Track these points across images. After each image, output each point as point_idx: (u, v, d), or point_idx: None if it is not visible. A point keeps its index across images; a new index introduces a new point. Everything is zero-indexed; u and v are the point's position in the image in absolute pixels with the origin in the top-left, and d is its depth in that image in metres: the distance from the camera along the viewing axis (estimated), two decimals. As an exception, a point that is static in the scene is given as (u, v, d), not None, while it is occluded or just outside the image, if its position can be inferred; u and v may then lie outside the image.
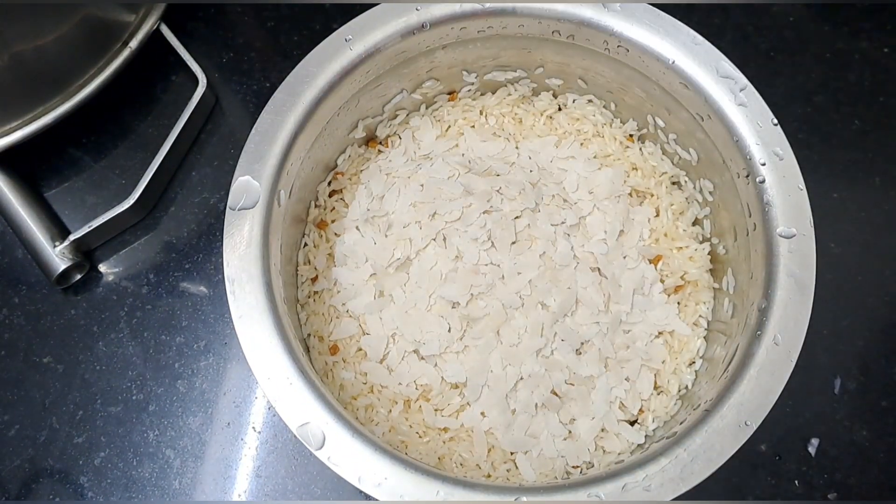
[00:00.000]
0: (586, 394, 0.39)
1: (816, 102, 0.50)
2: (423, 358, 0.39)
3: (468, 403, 0.38)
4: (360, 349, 0.40)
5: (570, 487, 0.32)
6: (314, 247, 0.42)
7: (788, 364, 0.33)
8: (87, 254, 0.47)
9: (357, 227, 0.41)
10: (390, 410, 0.38)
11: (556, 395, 0.38)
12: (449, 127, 0.45)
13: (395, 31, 0.39)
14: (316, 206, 0.42)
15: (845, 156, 0.49)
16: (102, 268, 0.47)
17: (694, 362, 0.40)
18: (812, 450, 0.43)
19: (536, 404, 0.38)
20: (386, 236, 0.40)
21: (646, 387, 0.39)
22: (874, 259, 0.47)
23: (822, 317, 0.46)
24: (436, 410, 0.38)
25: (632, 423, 0.39)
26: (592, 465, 0.38)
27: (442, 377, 0.38)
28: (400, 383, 0.38)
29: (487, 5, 0.39)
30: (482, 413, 0.38)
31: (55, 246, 0.45)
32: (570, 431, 0.38)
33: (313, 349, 0.40)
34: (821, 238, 0.47)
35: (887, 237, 0.47)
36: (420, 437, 0.38)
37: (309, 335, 0.40)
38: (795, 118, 0.49)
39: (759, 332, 0.34)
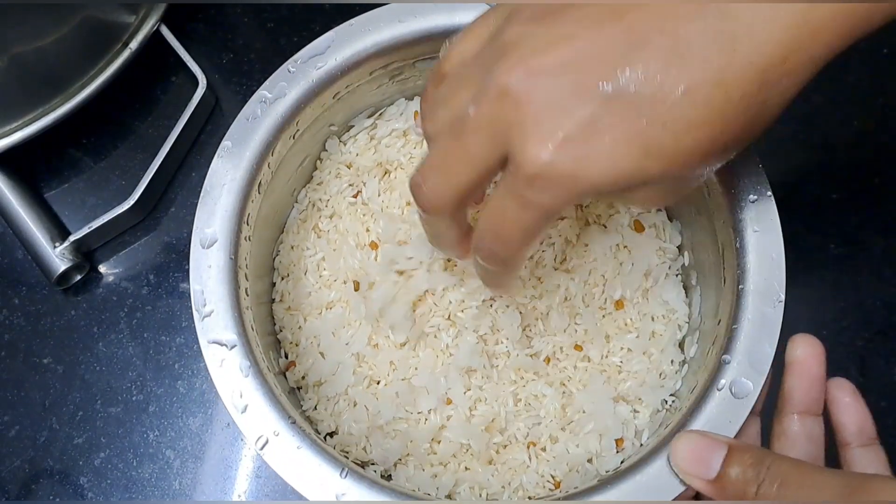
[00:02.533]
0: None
1: (815, 102, 0.50)
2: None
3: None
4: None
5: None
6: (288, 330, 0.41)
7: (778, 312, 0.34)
8: (87, 254, 0.47)
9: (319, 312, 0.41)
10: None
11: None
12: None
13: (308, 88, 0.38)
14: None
15: (844, 157, 0.49)
16: (102, 268, 0.48)
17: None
18: (812, 450, 0.43)
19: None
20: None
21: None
22: (874, 259, 0.47)
23: (821, 317, 0.46)
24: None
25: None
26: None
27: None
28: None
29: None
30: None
31: (55, 247, 0.45)
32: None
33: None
34: (821, 239, 0.47)
35: (886, 238, 0.47)
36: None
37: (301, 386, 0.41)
38: (794, 119, 0.49)
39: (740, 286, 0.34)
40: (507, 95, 0.25)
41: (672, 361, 0.40)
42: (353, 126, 0.43)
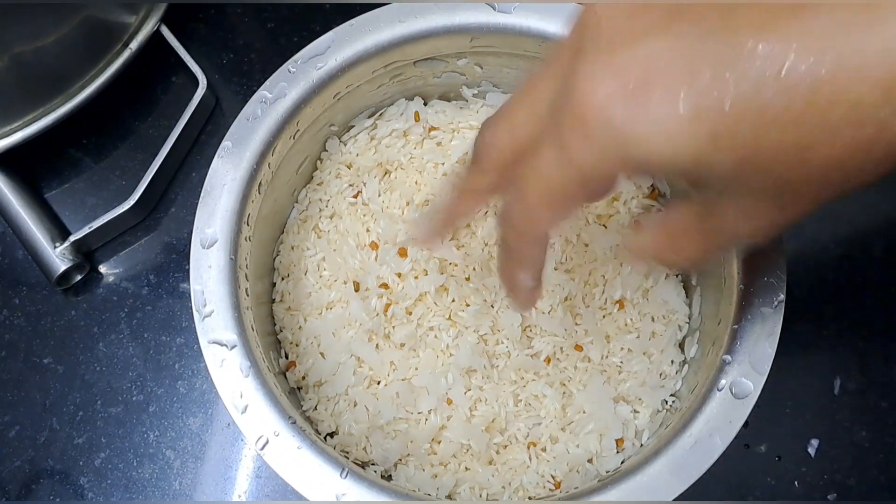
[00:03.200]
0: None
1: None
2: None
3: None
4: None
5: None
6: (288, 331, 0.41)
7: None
8: (87, 255, 0.47)
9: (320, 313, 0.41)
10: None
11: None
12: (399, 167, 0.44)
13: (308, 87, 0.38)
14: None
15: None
16: (103, 269, 0.48)
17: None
18: (812, 450, 0.43)
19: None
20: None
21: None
22: (874, 260, 0.47)
23: (822, 317, 0.46)
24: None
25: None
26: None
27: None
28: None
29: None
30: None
31: (55, 247, 0.45)
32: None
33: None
34: (821, 239, 0.47)
35: (887, 238, 0.47)
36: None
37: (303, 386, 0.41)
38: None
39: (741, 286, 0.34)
40: (587, 14, 0.22)
41: (672, 362, 0.40)
42: (353, 126, 0.43)
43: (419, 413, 0.39)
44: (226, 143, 0.37)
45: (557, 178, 0.23)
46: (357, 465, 0.34)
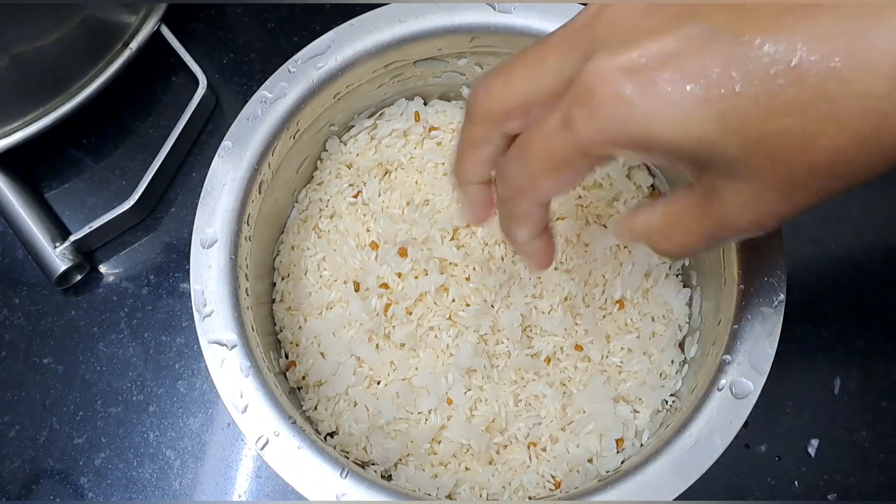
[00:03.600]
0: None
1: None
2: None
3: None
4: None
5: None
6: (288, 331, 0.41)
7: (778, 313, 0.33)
8: (87, 255, 0.47)
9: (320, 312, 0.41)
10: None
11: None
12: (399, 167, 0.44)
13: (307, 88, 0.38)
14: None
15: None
16: (103, 268, 0.48)
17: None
18: (812, 450, 0.43)
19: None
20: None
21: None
22: (874, 260, 0.47)
23: (822, 317, 0.46)
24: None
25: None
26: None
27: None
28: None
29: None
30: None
31: (55, 247, 0.45)
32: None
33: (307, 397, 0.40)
34: (820, 239, 0.47)
35: (887, 238, 0.47)
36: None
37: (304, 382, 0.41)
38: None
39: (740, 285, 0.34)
40: (603, 13, 0.23)
41: (672, 361, 0.40)
42: (353, 126, 0.43)
43: (419, 413, 0.39)
44: (226, 143, 0.37)
45: (560, 147, 0.24)
46: (357, 465, 0.34)
